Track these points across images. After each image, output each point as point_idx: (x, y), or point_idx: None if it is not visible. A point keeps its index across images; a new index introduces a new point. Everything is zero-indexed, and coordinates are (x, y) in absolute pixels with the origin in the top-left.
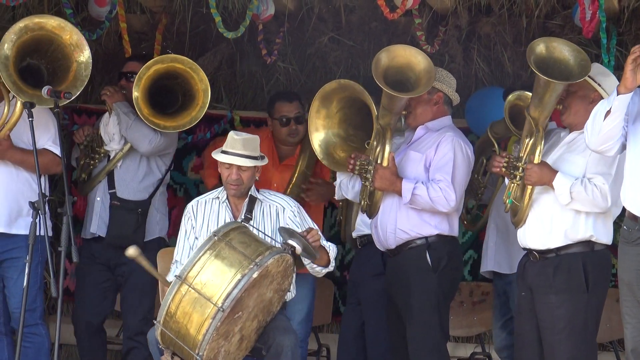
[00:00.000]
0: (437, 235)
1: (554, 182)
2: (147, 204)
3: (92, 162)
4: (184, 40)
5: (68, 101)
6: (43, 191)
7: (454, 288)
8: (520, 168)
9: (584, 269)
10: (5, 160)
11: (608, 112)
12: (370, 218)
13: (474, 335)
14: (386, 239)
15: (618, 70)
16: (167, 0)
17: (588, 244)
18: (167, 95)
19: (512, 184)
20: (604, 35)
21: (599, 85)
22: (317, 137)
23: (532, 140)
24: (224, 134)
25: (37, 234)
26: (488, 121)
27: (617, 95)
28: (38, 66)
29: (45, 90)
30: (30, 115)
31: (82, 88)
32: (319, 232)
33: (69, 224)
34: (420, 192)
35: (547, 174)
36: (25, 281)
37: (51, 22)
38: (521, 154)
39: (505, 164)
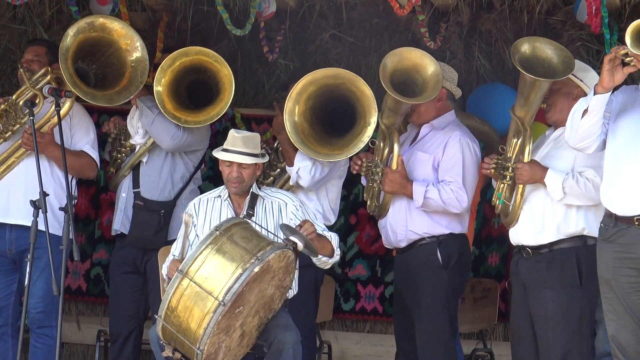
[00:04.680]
0: (449, 233)
1: (545, 178)
2: (171, 204)
3: (118, 155)
4: (185, 38)
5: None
6: (72, 193)
7: (463, 285)
8: (510, 168)
9: (577, 263)
10: (42, 155)
11: (586, 111)
12: (378, 219)
13: (475, 332)
14: (396, 240)
15: None
16: None
17: (581, 238)
18: (202, 91)
19: (502, 185)
20: (607, 31)
21: (581, 81)
22: (290, 118)
23: (520, 139)
24: (226, 132)
25: (62, 235)
26: (490, 117)
27: (595, 94)
28: (86, 71)
29: (46, 88)
30: (31, 114)
31: (137, 92)
32: (315, 225)
33: (69, 223)
34: (432, 195)
35: (538, 172)
36: (27, 279)
37: (115, 26)
38: (509, 154)
39: (494, 166)
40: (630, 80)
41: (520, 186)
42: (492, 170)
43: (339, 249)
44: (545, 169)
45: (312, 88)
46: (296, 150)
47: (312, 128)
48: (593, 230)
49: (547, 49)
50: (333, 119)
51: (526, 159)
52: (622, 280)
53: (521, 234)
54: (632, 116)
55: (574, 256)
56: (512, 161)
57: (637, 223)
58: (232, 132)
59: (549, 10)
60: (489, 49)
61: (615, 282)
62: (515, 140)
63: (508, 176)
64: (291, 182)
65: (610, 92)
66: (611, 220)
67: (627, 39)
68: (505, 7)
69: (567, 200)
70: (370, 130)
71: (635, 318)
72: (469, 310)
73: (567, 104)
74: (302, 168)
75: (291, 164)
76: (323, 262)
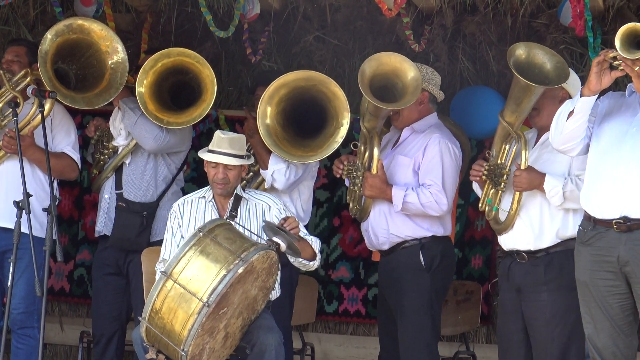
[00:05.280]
0: (431, 236)
1: (544, 185)
2: (154, 206)
3: (101, 157)
4: (169, 39)
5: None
6: (55, 194)
7: (446, 287)
8: (505, 175)
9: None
10: (24, 157)
11: (571, 113)
12: (360, 221)
13: (458, 334)
14: (379, 243)
15: None
16: None
17: (575, 240)
18: (185, 92)
19: (492, 191)
20: (590, 34)
21: (566, 82)
22: (263, 122)
23: (515, 146)
24: (209, 133)
25: (43, 236)
26: (473, 120)
27: (581, 97)
28: (67, 72)
29: (30, 89)
30: (15, 114)
31: (117, 94)
32: (297, 221)
33: (52, 223)
34: (412, 199)
35: (536, 178)
36: (10, 280)
37: (94, 27)
38: (499, 160)
39: (486, 172)
40: (615, 86)
41: (517, 193)
42: (483, 177)
43: (319, 254)
44: (543, 174)
45: (284, 91)
46: (269, 153)
47: (285, 130)
48: None
49: (540, 55)
50: (304, 121)
51: (523, 165)
52: (600, 284)
53: (518, 240)
54: (617, 121)
55: (571, 258)
56: (508, 167)
57: (615, 227)
58: (218, 133)
59: (532, 13)
60: (472, 52)
61: (593, 285)
62: (506, 146)
63: (503, 183)
64: (266, 186)
65: (596, 96)
66: (590, 223)
67: (617, 42)
68: (489, 10)
69: (566, 205)
70: (343, 131)
71: (612, 321)
72: (451, 312)
73: (553, 107)
74: (276, 171)
75: (265, 167)
76: (304, 264)
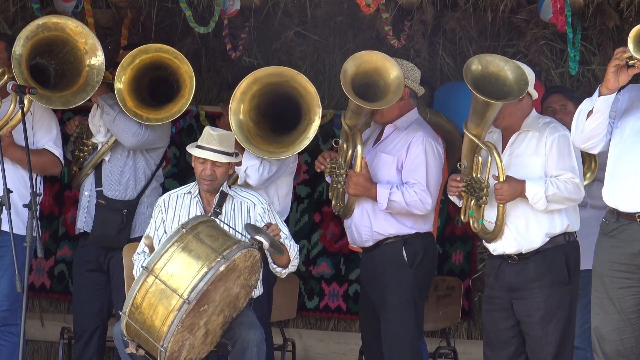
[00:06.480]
0: (414, 233)
1: (526, 192)
2: (134, 203)
3: (81, 154)
4: (150, 35)
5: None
6: (37, 190)
7: (429, 283)
8: (485, 189)
9: (566, 260)
10: (5, 157)
11: (591, 112)
12: (343, 219)
13: (439, 330)
14: (362, 240)
15: (583, 65)
16: None
17: (564, 236)
18: (163, 88)
19: (473, 202)
20: (570, 29)
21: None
22: (236, 118)
23: (489, 157)
24: (190, 129)
25: (26, 232)
26: (453, 116)
27: (600, 95)
28: (46, 66)
29: (10, 85)
30: None
31: (93, 92)
32: (281, 227)
33: (32, 219)
34: (396, 197)
35: (517, 188)
36: None
37: (69, 24)
38: (474, 173)
39: (465, 188)
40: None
41: (501, 205)
42: (463, 193)
43: (296, 260)
44: (522, 182)
45: (256, 87)
46: (243, 149)
47: (258, 127)
48: (574, 225)
49: (496, 64)
50: (279, 117)
51: (502, 177)
52: (615, 275)
53: (507, 246)
54: (638, 115)
55: (562, 255)
56: (486, 181)
57: (638, 220)
58: (208, 130)
59: (512, 9)
60: (453, 48)
61: (608, 277)
62: (478, 157)
63: (484, 197)
64: (240, 182)
65: (615, 93)
66: (613, 216)
67: (630, 44)
68: (469, 5)
69: (550, 207)
70: (314, 127)
71: (622, 314)
72: (432, 308)
73: (514, 108)
74: (250, 167)
75: (239, 164)
76: (277, 272)
